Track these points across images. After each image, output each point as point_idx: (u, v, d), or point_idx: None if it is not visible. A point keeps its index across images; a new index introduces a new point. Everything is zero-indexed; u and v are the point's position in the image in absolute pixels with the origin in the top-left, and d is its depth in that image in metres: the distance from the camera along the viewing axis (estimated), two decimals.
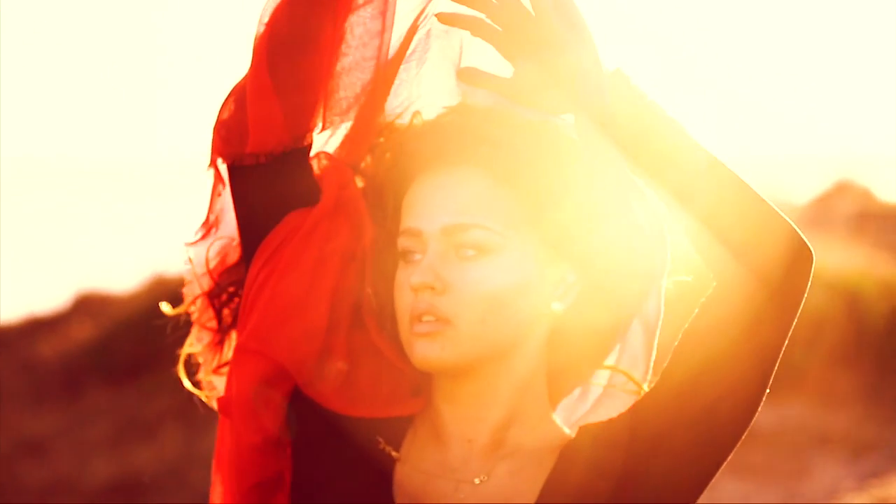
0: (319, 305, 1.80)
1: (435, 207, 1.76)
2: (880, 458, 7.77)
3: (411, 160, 1.80)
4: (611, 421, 1.80)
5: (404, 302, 1.77)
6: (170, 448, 8.74)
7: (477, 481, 1.78)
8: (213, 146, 1.86)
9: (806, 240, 1.72)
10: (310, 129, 1.83)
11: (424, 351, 1.75)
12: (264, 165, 1.82)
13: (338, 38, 1.82)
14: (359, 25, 1.82)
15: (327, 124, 1.84)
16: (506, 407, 1.79)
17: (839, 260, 8.99)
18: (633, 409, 1.78)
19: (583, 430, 1.80)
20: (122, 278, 11.21)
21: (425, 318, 1.75)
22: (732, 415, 1.74)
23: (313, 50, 1.81)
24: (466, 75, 1.79)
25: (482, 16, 1.76)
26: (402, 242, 1.79)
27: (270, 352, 1.79)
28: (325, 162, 1.85)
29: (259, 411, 1.80)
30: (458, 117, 1.81)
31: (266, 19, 1.80)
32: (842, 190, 12.30)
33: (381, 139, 1.85)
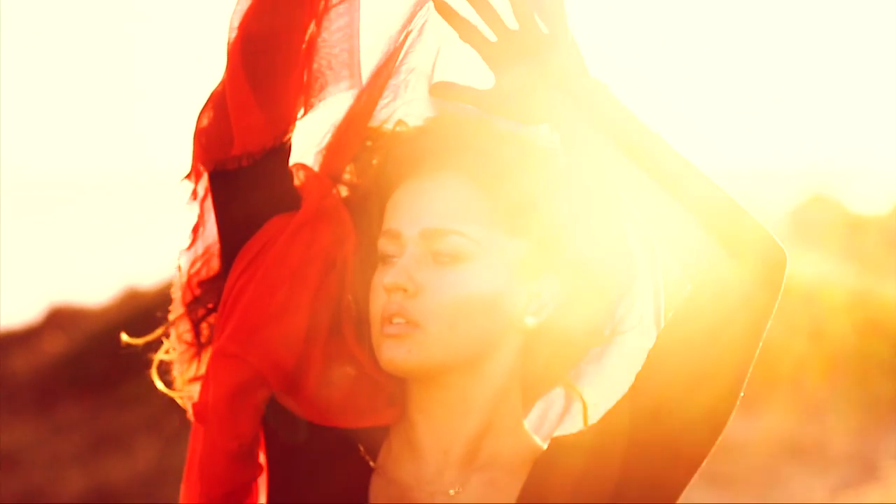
0: (298, 312, 1.80)
1: (415, 211, 1.77)
2: (852, 469, 7.78)
3: (396, 165, 1.81)
4: (582, 433, 1.80)
5: (377, 303, 1.77)
6: (142, 461, 8.70)
7: (452, 492, 1.78)
8: (194, 154, 1.86)
9: (780, 243, 1.72)
10: (291, 125, 1.83)
11: (391, 352, 1.75)
12: (246, 169, 1.82)
13: (313, 34, 1.82)
14: (336, 19, 1.83)
15: (308, 109, 1.85)
16: (479, 418, 1.79)
17: (813, 271, 9.02)
18: (604, 421, 1.78)
19: (555, 442, 1.80)
20: (94, 291, 11.18)
21: (395, 320, 1.75)
22: (704, 430, 1.74)
23: (287, 48, 1.81)
24: (439, 90, 1.80)
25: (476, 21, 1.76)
26: (382, 244, 1.79)
27: (248, 357, 1.79)
28: (304, 173, 1.85)
29: (235, 417, 1.79)
30: (442, 125, 1.81)
31: (237, 23, 1.81)
32: (815, 202, 12.35)
33: (368, 143, 1.85)
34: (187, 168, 1.88)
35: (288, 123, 1.83)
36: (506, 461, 1.80)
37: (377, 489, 1.80)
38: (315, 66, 1.85)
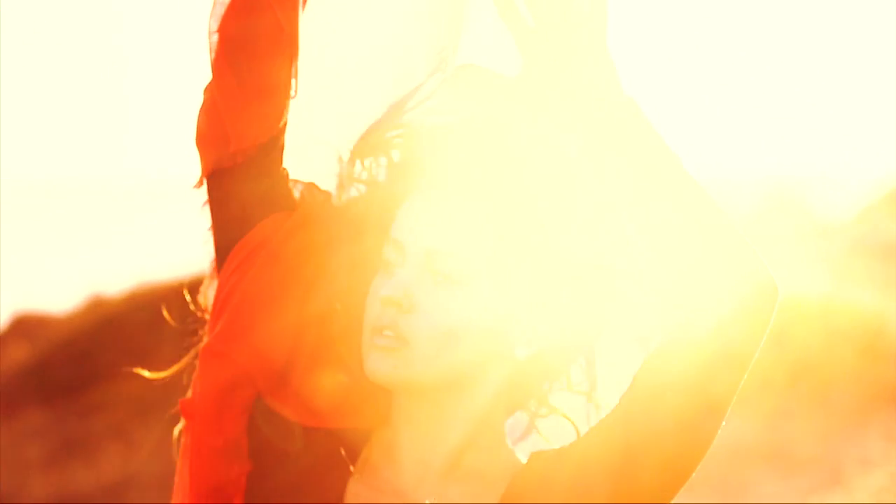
0: (287, 315, 1.81)
1: (423, 226, 1.76)
2: (819, 474, 7.82)
3: (416, 169, 1.80)
4: (564, 449, 1.79)
5: (372, 312, 1.76)
6: (107, 468, 8.67)
7: (428, 502, 1.78)
8: (200, 160, 1.87)
9: (773, 277, 1.72)
10: (280, 118, 1.84)
11: (377, 364, 1.75)
12: (240, 165, 1.83)
13: (293, 26, 1.84)
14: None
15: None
16: (463, 433, 1.79)
17: (777, 277, 9.04)
18: (591, 438, 1.77)
19: (534, 457, 1.80)
20: (59, 299, 11.14)
21: (385, 333, 1.74)
22: (697, 447, 1.74)
23: (269, 43, 1.83)
24: (465, 73, 1.79)
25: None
26: (387, 251, 1.79)
27: (235, 356, 1.80)
28: (302, 185, 1.87)
29: (221, 415, 1.80)
30: (467, 132, 1.79)
31: (215, 28, 1.83)
32: (780, 209, 12.40)
33: (393, 137, 1.83)
34: (196, 175, 1.90)
35: (278, 117, 1.84)
36: (485, 475, 1.80)
37: (353, 494, 1.80)
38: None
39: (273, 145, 1.85)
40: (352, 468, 1.81)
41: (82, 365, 9.10)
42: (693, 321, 1.71)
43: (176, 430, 1.86)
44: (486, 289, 1.75)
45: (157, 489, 8.22)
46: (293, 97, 1.86)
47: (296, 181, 1.88)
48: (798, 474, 7.81)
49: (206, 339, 1.85)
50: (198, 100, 1.87)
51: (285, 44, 1.83)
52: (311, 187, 1.87)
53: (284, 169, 1.87)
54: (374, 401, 1.83)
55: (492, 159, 1.77)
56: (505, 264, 1.76)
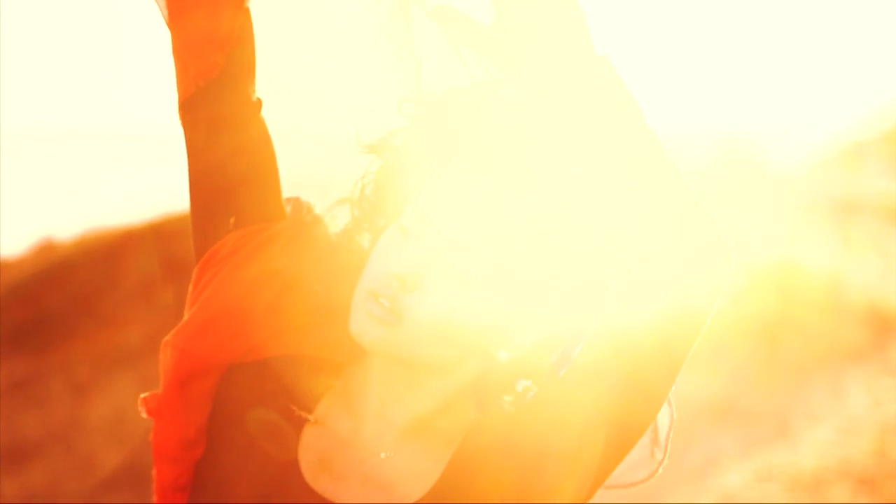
0: (250, 318, 1.81)
1: (458, 214, 1.72)
2: (765, 428, 7.89)
3: (455, 141, 1.74)
4: (523, 406, 1.78)
5: (375, 272, 1.73)
6: (57, 413, 8.66)
7: (383, 455, 1.78)
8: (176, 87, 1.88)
9: (731, 251, 1.73)
10: (232, 30, 1.84)
11: (363, 327, 1.72)
12: (204, 89, 1.84)
13: None
14: None
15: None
16: (434, 401, 1.78)
17: (729, 232, 9.09)
18: (543, 399, 1.77)
19: (493, 413, 1.79)
20: (9, 243, 11.07)
21: (382, 301, 1.71)
22: (660, 403, 1.77)
23: None
24: (439, 13, 1.76)
25: None
26: (408, 215, 1.74)
27: (193, 350, 1.80)
28: (297, 204, 1.87)
29: (188, 405, 1.81)
30: (484, 99, 1.74)
31: None
32: (732, 162, 12.44)
33: (438, 101, 1.79)
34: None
35: (229, 33, 1.84)
36: (445, 432, 1.79)
37: (308, 441, 1.80)
38: None
39: (235, 67, 1.85)
40: (308, 416, 1.81)
41: (32, 309, 9.07)
42: (647, 280, 1.72)
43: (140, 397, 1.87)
44: (493, 293, 1.72)
45: (105, 433, 8.21)
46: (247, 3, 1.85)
47: (290, 199, 1.88)
48: (744, 428, 7.88)
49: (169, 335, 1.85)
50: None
51: None
52: (302, 206, 1.87)
53: (259, 99, 1.87)
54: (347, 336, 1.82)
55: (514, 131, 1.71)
56: (520, 269, 1.72)
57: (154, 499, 1.87)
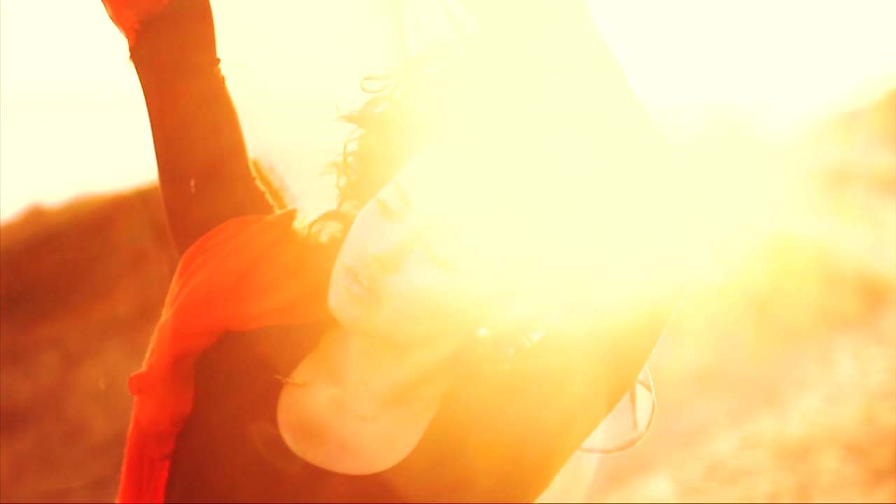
0: (242, 301, 1.81)
1: (438, 196, 1.70)
2: (753, 396, 7.92)
3: (445, 112, 1.73)
4: (493, 371, 1.78)
5: (353, 249, 1.71)
6: (45, 378, 8.66)
7: (363, 419, 1.78)
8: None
9: (712, 213, 1.72)
10: None
11: (341, 305, 1.71)
12: (154, 36, 1.83)
13: None
14: None
15: None
16: (414, 372, 1.77)
17: (719, 201, 9.10)
18: (522, 359, 1.78)
19: (466, 377, 1.79)
20: None
21: (360, 280, 1.69)
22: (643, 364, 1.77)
23: None
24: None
25: None
26: (389, 192, 1.72)
27: (190, 331, 1.81)
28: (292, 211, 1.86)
29: (183, 381, 1.82)
30: (470, 78, 1.71)
31: None
32: (722, 132, 12.45)
33: (435, 60, 1.76)
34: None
35: None
36: (426, 398, 1.79)
37: (287, 404, 1.80)
38: None
39: (181, 7, 1.84)
40: (286, 380, 1.81)
41: (21, 276, 9.06)
42: (629, 245, 1.71)
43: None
44: (472, 275, 1.70)
45: (94, 400, 8.22)
46: None
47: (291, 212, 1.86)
48: (732, 396, 7.91)
49: (164, 315, 1.85)
50: None
51: None
52: (294, 215, 1.86)
53: (216, 58, 1.86)
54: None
55: (499, 108, 1.70)
56: (500, 254, 1.71)
57: (126, 476, 1.87)
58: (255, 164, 1.91)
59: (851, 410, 7.49)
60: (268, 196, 1.91)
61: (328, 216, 1.85)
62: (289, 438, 1.78)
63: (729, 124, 12.78)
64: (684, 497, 6.35)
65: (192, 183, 1.86)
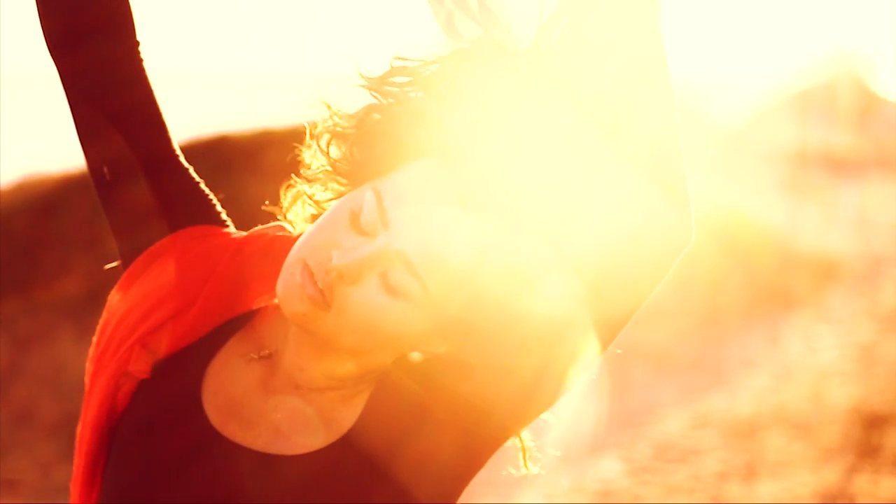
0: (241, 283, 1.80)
1: (420, 228, 1.65)
2: (701, 375, 7.95)
3: (440, 133, 1.67)
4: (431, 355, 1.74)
5: (314, 246, 1.67)
6: None
7: (297, 401, 1.74)
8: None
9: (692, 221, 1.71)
10: None
11: (290, 297, 1.66)
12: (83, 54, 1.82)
13: None
14: None
15: None
16: (348, 371, 1.73)
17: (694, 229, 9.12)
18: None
19: (400, 361, 1.76)
20: None
21: (317, 281, 1.65)
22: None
23: None
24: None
25: None
26: (369, 206, 1.66)
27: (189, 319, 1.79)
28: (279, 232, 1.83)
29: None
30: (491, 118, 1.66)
31: None
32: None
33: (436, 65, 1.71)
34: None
35: None
36: (361, 381, 1.75)
37: (216, 387, 1.77)
38: None
39: None
40: (263, 353, 1.79)
41: None
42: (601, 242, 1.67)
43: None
44: (422, 310, 1.66)
45: (43, 383, 8.18)
46: None
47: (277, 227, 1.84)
48: (681, 375, 7.94)
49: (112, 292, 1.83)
50: None
51: None
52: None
53: (136, 41, 1.85)
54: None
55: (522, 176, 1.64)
56: (449, 301, 1.67)
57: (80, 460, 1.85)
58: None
59: (800, 389, 7.54)
60: (202, 185, 1.87)
61: (298, 196, 1.82)
62: (216, 420, 1.74)
63: (681, 105, 12.81)
64: (634, 476, 6.38)
65: (105, 169, 1.84)
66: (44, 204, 9.29)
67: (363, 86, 1.72)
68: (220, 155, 9.14)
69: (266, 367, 1.77)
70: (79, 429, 1.83)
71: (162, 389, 1.78)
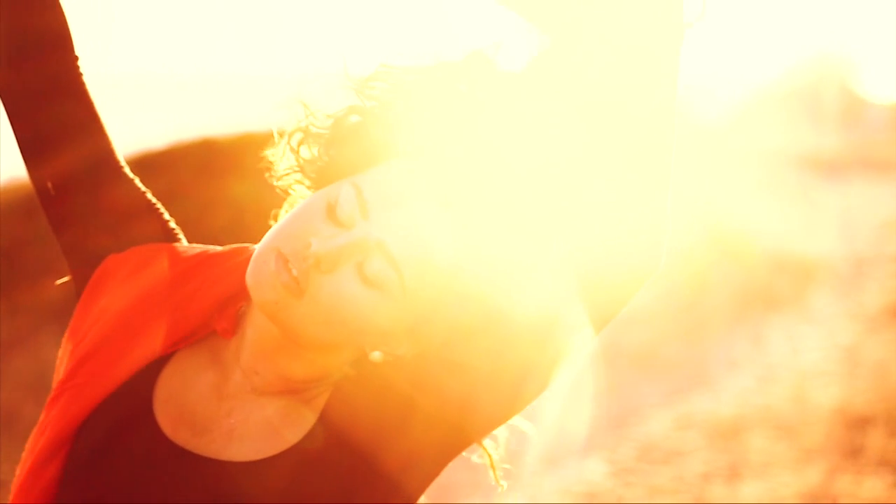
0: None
1: (400, 221, 1.64)
2: (684, 376, 7.96)
3: (419, 128, 1.67)
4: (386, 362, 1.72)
5: (290, 234, 1.65)
6: None
7: (251, 405, 1.72)
8: None
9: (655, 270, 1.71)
10: None
11: (262, 285, 1.64)
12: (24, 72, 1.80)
13: None
14: None
15: None
16: (306, 371, 1.72)
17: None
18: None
19: (357, 366, 1.74)
20: None
21: (291, 268, 1.63)
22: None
23: None
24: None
25: None
26: (348, 196, 1.65)
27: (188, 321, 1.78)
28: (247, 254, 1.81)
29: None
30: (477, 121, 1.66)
31: None
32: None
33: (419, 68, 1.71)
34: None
35: None
36: (320, 387, 1.74)
37: (167, 395, 1.75)
38: None
39: None
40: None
41: None
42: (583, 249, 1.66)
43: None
44: (393, 303, 1.65)
45: (24, 386, 8.17)
46: None
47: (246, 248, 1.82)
48: (665, 376, 7.95)
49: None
50: None
51: None
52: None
53: (74, 55, 1.83)
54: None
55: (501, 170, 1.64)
56: (422, 296, 1.66)
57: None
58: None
59: (783, 390, 7.55)
60: (149, 196, 1.85)
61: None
62: (168, 428, 1.72)
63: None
64: (618, 478, 6.38)
65: (49, 185, 1.82)
66: (26, 207, 9.27)
67: (347, 86, 1.72)
68: (203, 157, 9.13)
69: (219, 373, 1.75)
70: (32, 439, 1.81)
71: (116, 400, 1.75)
